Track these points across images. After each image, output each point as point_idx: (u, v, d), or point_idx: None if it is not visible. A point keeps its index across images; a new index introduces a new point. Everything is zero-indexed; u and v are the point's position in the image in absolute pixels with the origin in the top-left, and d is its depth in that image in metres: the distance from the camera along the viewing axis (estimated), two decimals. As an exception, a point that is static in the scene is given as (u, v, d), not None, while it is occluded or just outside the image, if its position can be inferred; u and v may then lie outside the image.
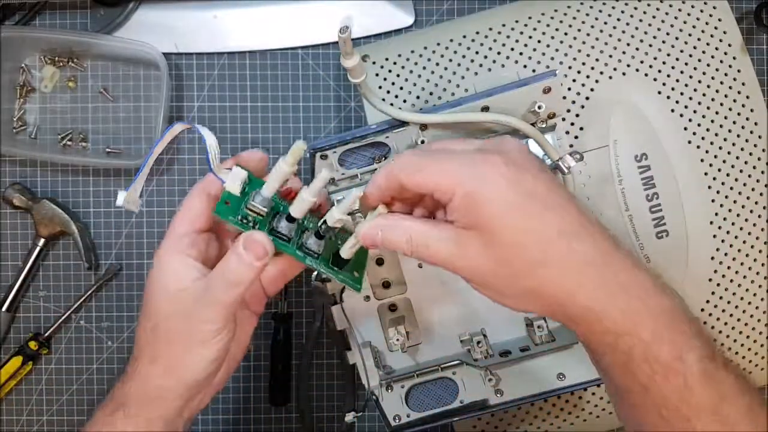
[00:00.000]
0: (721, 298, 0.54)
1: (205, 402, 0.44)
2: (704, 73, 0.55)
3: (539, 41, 0.55)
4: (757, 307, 0.55)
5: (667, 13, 0.55)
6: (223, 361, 0.42)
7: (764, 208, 0.55)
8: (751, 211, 0.55)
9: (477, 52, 0.55)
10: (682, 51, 0.55)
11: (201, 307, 0.39)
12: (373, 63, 0.55)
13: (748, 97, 0.55)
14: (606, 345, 0.37)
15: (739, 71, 0.55)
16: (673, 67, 0.54)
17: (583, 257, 0.37)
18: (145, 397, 0.41)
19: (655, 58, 0.54)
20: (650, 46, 0.55)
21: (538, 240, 0.37)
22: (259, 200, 0.40)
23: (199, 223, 0.42)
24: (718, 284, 0.54)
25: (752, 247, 0.54)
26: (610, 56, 0.54)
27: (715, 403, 0.35)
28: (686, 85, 0.54)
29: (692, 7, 0.55)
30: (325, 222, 0.41)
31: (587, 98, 0.54)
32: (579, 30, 0.55)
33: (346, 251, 0.42)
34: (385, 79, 0.55)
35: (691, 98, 0.54)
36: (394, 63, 0.55)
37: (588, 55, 0.54)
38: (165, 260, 0.41)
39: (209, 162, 0.40)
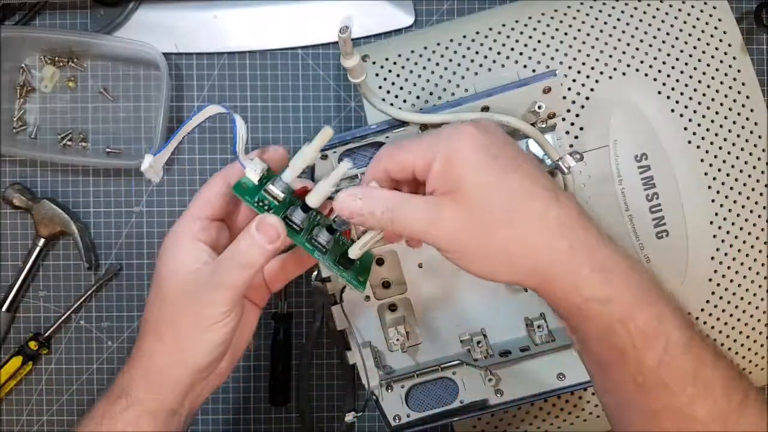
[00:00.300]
0: (721, 298, 0.54)
1: (206, 394, 0.44)
2: (704, 73, 0.55)
3: (539, 41, 0.55)
4: (757, 307, 0.55)
5: (667, 13, 0.55)
6: (227, 348, 0.42)
7: (764, 208, 0.55)
8: (751, 211, 0.55)
9: (477, 52, 0.55)
10: (682, 51, 0.55)
11: (209, 289, 0.40)
12: (373, 63, 0.55)
13: (748, 97, 0.55)
14: (582, 312, 0.36)
15: (739, 71, 0.55)
16: (673, 67, 0.54)
17: (554, 218, 0.37)
18: (149, 378, 0.41)
19: (655, 58, 0.54)
20: (650, 46, 0.55)
21: (506, 198, 0.37)
22: (278, 185, 0.40)
23: (213, 210, 0.43)
24: (718, 284, 0.54)
25: (752, 247, 0.54)
26: (610, 56, 0.54)
27: (695, 369, 0.35)
28: (686, 85, 0.54)
29: (692, 7, 0.55)
30: (337, 216, 0.41)
31: (587, 98, 0.54)
32: (579, 30, 0.55)
33: (356, 250, 0.42)
34: (385, 79, 0.55)
35: (691, 98, 0.54)
36: (394, 63, 0.55)
37: (588, 55, 0.54)
38: (177, 241, 0.42)
39: (236, 148, 0.40)
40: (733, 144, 0.54)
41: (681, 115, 0.54)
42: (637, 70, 0.54)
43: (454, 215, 0.37)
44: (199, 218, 0.42)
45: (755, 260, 0.55)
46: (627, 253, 0.38)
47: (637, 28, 0.55)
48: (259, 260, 0.39)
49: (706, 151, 0.54)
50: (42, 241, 0.59)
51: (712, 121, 0.54)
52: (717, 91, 0.55)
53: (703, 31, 0.55)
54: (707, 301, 0.54)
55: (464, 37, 0.55)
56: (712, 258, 0.54)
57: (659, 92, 0.54)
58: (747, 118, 0.55)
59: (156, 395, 0.41)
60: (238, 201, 0.43)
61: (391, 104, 0.54)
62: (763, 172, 0.55)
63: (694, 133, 0.54)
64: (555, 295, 0.37)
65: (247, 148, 0.41)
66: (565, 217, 0.37)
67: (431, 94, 0.54)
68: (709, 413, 0.35)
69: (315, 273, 0.52)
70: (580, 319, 0.37)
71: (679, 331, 0.35)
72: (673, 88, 0.54)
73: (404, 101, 0.55)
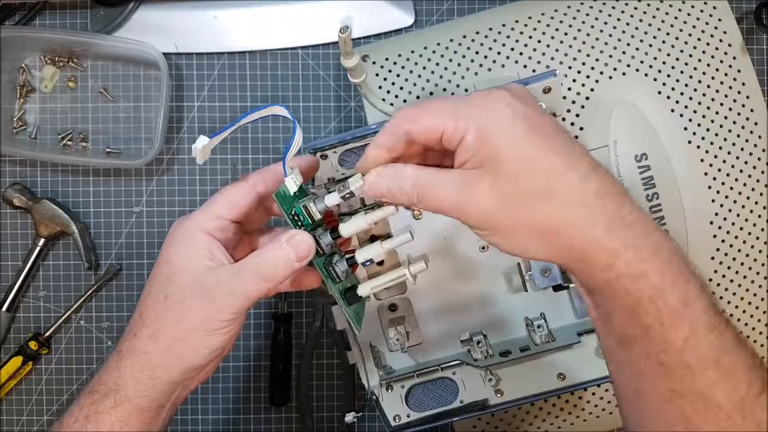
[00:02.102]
0: (721, 298, 0.54)
1: (193, 387, 0.43)
2: (704, 73, 0.55)
3: (539, 41, 0.55)
4: (757, 307, 0.55)
5: (667, 13, 0.55)
6: (225, 351, 0.41)
7: (764, 208, 0.55)
8: (751, 211, 0.54)
9: (477, 52, 0.55)
10: (682, 51, 0.55)
11: (225, 293, 0.39)
12: (373, 63, 0.55)
13: (748, 97, 0.55)
14: (612, 287, 0.36)
15: (739, 71, 0.55)
16: (673, 67, 0.54)
17: (593, 191, 0.36)
18: (141, 378, 0.40)
19: (655, 58, 0.54)
20: (650, 46, 0.55)
21: (546, 170, 0.36)
22: (319, 206, 0.40)
23: (237, 213, 0.42)
24: (718, 284, 0.54)
25: (752, 247, 0.54)
26: (610, 56, 0.54)
27: (717, 353, 0.35)
28: (686, 85, 0.54)
29: (692, 7, 0.55)
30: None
31: (587, 98, 0.54)
32: (579, 30, 0.55)
33: (367, 289, 0.42)
34: (385, 79, 0.55)
35: (691, 98, 0.54)
36: (394, 63, 0.55)
37: (588, 55, 0.54)
38: (190, 236, 0.40)
39: (286, 155, 0.39)
40: (733, 144, 0.54)
41: (681, 115, 0.54)
42: (637, 70, 0.54)
43: (488, 190, 0.36)
44: (221, 217, 0.41)
45: (755, 260, 0.55)
46: (656, 225, 0.37)
47: (637, 28, 0.55)
48: (282, 274, 0.39)
49: (706, 151, 0.54)
50: (42, 241, 0.59)
51: (712, 121, 0.54)
52: (717, 91, 0.55)
53: (703, 31, 0.55)
54: (707, 301, 0.54)
55: (464, 37, 0.55)
56: (712, 258, 0.54)
57: (659, 92, 0.54)
58: (747, 118, 0.55)
59: (147, 394, 0.40)
60: (259, 207, 0.43)
61: (391, 104, 0.54)
62: (763, 172, 0.55)
63: (694, 133, 0.54)
64: (586, 271, 0.36)
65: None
66: (603, 189, 0.36)
67: (431, 94, 0.54)
68: (729, 398, 0.35)
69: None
70: (608, 294, 0.36)
71: (705, 314, 0.35)
72: (673, 88, 0.54)
73: (404, 101, 0.55)
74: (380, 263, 0.53)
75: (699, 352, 0.35)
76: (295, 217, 0.40)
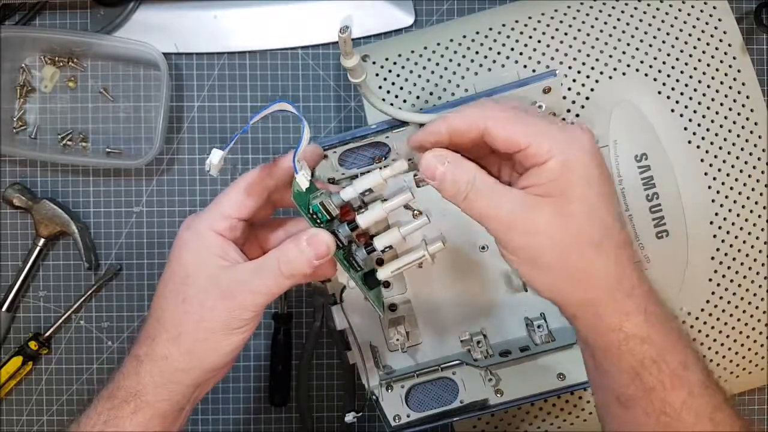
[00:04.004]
0: (721, 298, 0.54)
1: (209, 388, 0.44)
2: (704, 73, 0.55)
3: (539, 41, 0.55)
4: (757, 307, 0.55)
5: (667, 13, 0.55)
6: (241, 349, 0.41)
7: (764, 208, 0.55)
8: (751, 212, 0.55)
9: (477, 52, 0.55)
10: (682, 51, 0.55)
11: (245, 292, 0.39)
12: (373, 63, 0.55)
13: (748, 97, 0.55)
14: (619, 348, 0.37)
15: (739, 71, 0.55)
16: (673, 67, 0.54)
17: (627, 256, 0.38)
18: (162, 383, 0.40)
19: (655, 58, 0.54)
20: (650, 46, 0.55)
21: (604, 221, 0.37)
22: (336, 200, 0.41)
23: (246, 211, 0.41)
24: (718, 284, 0.54)
25: (752, 247, 0.55)
26: (610, 56, 0.54)
27: (711, 411, 0.37)
28: (686, 85, 0.54)
29: (692, 7, 0.55)
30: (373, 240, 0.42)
31: (587, 98, 0.54)
32: (579, 30, 0.55)
33: (387, 273, 0.42)
34: (385, 79, 0.55)
35: (691, 98, 0.54)
36: (394, 63, 0.55)
37: (588, 55, 0.54)
38: (206, 235, 0.40)
39: (297, 152, 0.39)
40: (733, 144, 0.54)
41: (681, 115, 0.54)
42: (637, 70, 0.54)
43: (547, 222, 0.36)
44: (230, 217, 0.41)
45: (755, 260, 0.55)
46: (656, 291, 0.39)
47: (637, 28, 0.55)
48: (303, 272, 0.39)
49: (706, 151, 0.54)
50: (42, 241, 0.59)
51: (712, 121, 0.54)
52: (717, 91, 0.55)
53: (703, 31, 0.55)
54: (707, 301, 0.54)
55: (464, 37, 0.55)
56: (712, 258, 0.54)
57: (659, 92, 0.54)
58: (747, 118, 0.55)
59: (169, 398, 0.40)
60: (267, 202, 0.43)
61: (391, 104, 0.54)
62: (763, 172, 0.55)
63: (694, 133, 0.54)
64: (596, 328, 0.38)
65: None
66: (633, 256, 0.38)
67: (431, 94, 0.54)
68: None
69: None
70: (612, 353, 0.38)
71: (701, 375, 0.38)
72: (673, 88, 0.54)
73: (404, 101, 0.55)
74: (380, 263, 0.53)
75: (695, 412, 0.37)
76: (313, 216, 0.40)
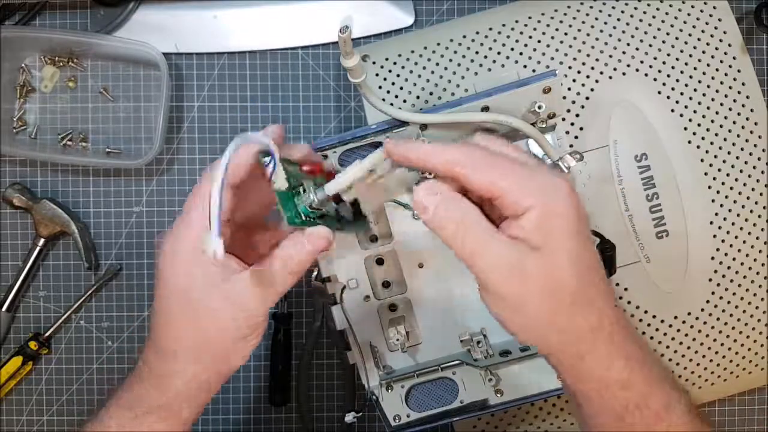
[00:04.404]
0: (721, 298, 0.54)
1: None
2: (704, 73, 0.55)
3: (539, 41, 0.55)
4: (757, 307, 0.55)
5: (667, 13, 0.55)
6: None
7: (764, 208, 0.55)
8: (751, 211, 0.55)
9: (477, 52, 0.55)
10: (682, 51, 0.55)
11: (255, 298, 0.39)
12: (373, 63, 0.55)
13: (748, 97, 0.55)
14: (601, 393, 0.38)
15: (739, 71, 0.55)
16: (673, 67, 0.55)
17: (610, 304, 0.38)
18: (188, 393, 0.41)
19: (655, 58, 0.54)
20: (650, 46, 0.55)
21: (585, 269, 0.37)
22: (320, 196, 0.41)
23: (228, 215, 0.40)
24: (718, 284, 0.54)
25: (752, 247, 0.55)
26: (610, 56, 0.54)
27: None
28: (686, 85, 0.54)
29: (692, 7, 0.55)
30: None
31: (587, 98, 0.54)
32: (579, 30, 0.55)
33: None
34: (385, 79, 0.55)
35: (691, 98, 0.54)
36: (394, 63, 0.55)
37: (588, 55, 0.54)
38: (193, 252, 0.39)
39: (273, 174, 0.38)
40: (733, 144, 0.54)
41: (681, 115, 0.54)
42: (637, 70, 0.54)
43: (534, 271, 0.36)
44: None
45: (755, 260, 0.55)
46: (637, 333, 0.41)
47: (637, 28, 0.55)
48: (308, 264, 0.39)
49: (706, 151, 0.54)
50: (42, 241, 0.59)
51: (712, 121, 0.54)
52: (717, 91, 0.55)
53: (703, 31, 0.55)
54: (707, 301, 0.54)
55: (464, 37, 0.55)
56: (712, 258, 0.54)
57: (659, 92, 0.54)
58: (747, 118, 0.55)
59: (196, 405, 0.42)
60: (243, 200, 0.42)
61: (391, 104, 0.54)
62: (763, 172, 0.55)
63: (694, 133, 0.54)
64: (577, 375, 0.38)
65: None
66: (612, 295, 0.38)
67: (431, 94, 0.54)
68: None
69: (315, 273, 0.52)
70: (594, 400, 0.38)
71: (684, 413, 0.39)
72: (673, 88, 0.54)
73: (404, 101, 0.55)
74: (380, 263, 0.53)
75: None
76: (306, 218, 0.40)
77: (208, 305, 0.40)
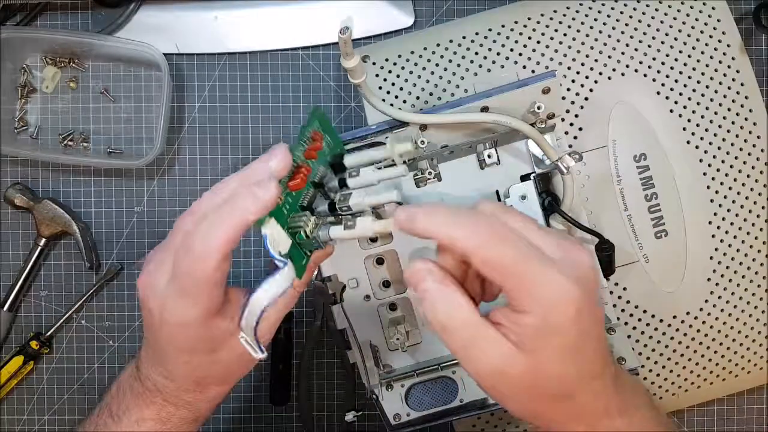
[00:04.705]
0: (720, 297, 0.55)
1: None
2: (703, 74, 0.55)
3: (539, 41, 0.55)
4: (756, 307, 0.55)
5: (666, 14, 0.55)
6: None
7: (763, 208, 0.55)
8: (750, 211, 0.55)
9: (476, 53, 0.55)
10: (681, 51, 0.55)
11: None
12: (373, 63, 0.56)
13: (747, 98, 0.55)
14: None
15: (738, 72, 0.55)
16: (672, 68, 0.55)
17: (608, 390, 0.38)
18: (192, 418, 0.44)
19: (654, 59, 0.55)
20: (649, 46, 0.55)
21: (579, 374, 0.37)
22: (324, 236, 0.41)
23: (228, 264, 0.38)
24: (717, 284, 0.54)
25: (751, 246, 0.55)
26: (609, 56, 0.54)
27: None
28: (685, 86, 0.55)
29: (691, 7, 0.55)
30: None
31: (586, 98, 0.54)
32: (578, 30, 0.55)
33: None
34: (385, 79, 0.55)
35: (690, 98, 0.55)
36: (394, 63, 0.55)
37: (587, 56, 0.54)
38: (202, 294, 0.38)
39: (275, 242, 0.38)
40: (732, 144, 0.55)
41: (680, 116, 0.54)
42: (636, 70, 0.54)
43: (518, 375, 0.36)
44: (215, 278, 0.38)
45: (754, 260, 0.55)
46: (639, 392, 0.41)
47: (636, 29, 0.55)
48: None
49: (705, 151, 0.54)
50: (43, 241, 0.59)
51: (711, 122, 0.55)
52: (716, 92, 0.55)
53: (702, 32, 0.55)
54: (706, 301, 0.55)
55: (464, 37, 0.55)
56: (711, 258, 0.54)
57: (658, 92, 0.54)
58: (746, 119, 0.55)
59: (196, 417, 0.44)
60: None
61: (391, 104, 0.54)
62: (762, 172, 0.55)
63: (693, 134, 0.54)
64: None
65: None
66: (612, 386, 0.38)
67: (431, 94, 0.55)
68: None
69: (315, 273, 0.52)
70: None
71: None
72: (672, 89, 0.54)
73: (404, 101, 0.55)
74: (380, 263, 0.53)
75: None
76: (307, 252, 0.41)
77: (205, 351, 0.41)
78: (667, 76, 0.55)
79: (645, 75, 0.54)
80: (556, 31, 0.55)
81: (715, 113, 0.55)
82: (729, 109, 0.55)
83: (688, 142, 0.54)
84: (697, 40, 0.55)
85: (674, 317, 0.54)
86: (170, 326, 0.39)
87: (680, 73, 0.55)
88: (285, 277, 0.38)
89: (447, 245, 0.36)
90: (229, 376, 0.43)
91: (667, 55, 0.55)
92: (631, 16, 0.55)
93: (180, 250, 0.37)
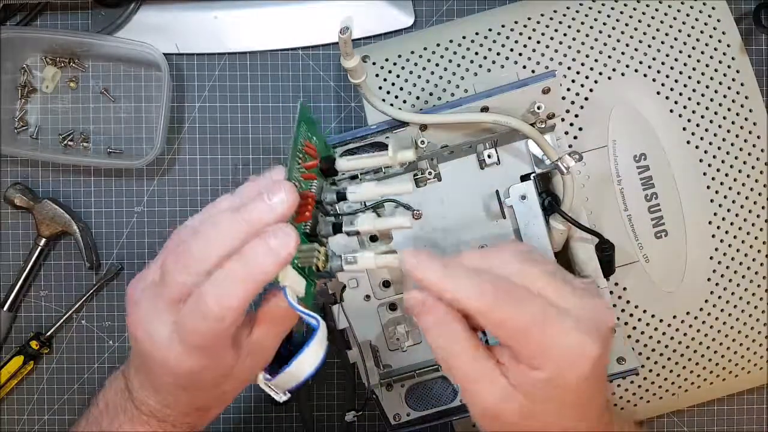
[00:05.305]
0: (720, 297, 0.55)
1: None
2: (703, 74, 0.55)
3: (539, 42, 0.55)
4: (756, 307, 0.55)
5: (666, 14, 0.55)
6: None
7: (763, 208, 0.55)
8: (750, 211, 0.55)
9: (476, 53, 0.55)
10: (681, 51, 0.55)
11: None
12: (373, 63, 0.56)
13: (747, 98, 0.55)
14: None
15: (738, 72, 0.55)
16: (672, 68, 0.55)
17: None
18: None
19: (654, 59, 0.55)
20: (649, 46, 0.55)
21: (577, 427, 0.37)
22: (336, 269, 0.39)
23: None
24: (717, 284, 0.54)
25: (751, 246, 0.55)
26: (609, 56, 0.54)
27: None
28: (685, 86, 0.55)
29: (691, 7, 0.55)
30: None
31: (586, 98, 0.54)
32: (578, 30, 0.55)
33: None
34: (385, 79, 0.55)
35: (689, 98, 0.55)
36: (394, 63, 0.55)
37: (587, 56, 0.54)
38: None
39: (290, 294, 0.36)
40: (732, 144, 0.55)
41: (680, 116, 0.54)
42: (636, 70, 0.54)
43: (514, 418, 0.35)
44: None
45: (754, 260, 0.55)
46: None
47: (636, 29, 0.55)
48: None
49: (705, 151, 0.54)
50: (43, 240, 0.59)
51: (711, 122, 0.55)
52: (716, 92, 0.55)
53: (702, 32, 0.55)
54: (706, 301, 0.55)
55: (464, 37, 0.55)
56: (711, 258, 0.54)
57: (658, 92, 0.54)
58: (746, 119, 0.55)
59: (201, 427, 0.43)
60: None
61: (391, 104, 0.54)
62: (762, 172, 0.55)
63: (693, 134, 0.54)
64: None
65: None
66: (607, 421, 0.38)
67: (431, 94, 0.55)
68: None
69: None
70: None
71: None
72: (672, 89, 0.54)
73: (404, 101, 0.55)
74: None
75: None
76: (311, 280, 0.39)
77: (204, 387, 0.40)
78: (667, 76, 0.55)
79: (645, 75, 0.54)
80: (556, 31, 0.55)
81: (715, 113, 0.55)
82: (729, 109, 0.55)
83: (688, 142, 0.54)
84: (697, 40, 0.55)
85: (674, 317, 0.54)
86: (175, 374, 0.37)
87: (680, 73, 0.55)
88: (322, 340, 0.35)
89: (457, 305, 0.35)
90: (231, 397, 0.42)
91: (667, 55, 0.55)
92: (631, 16, 0.55)
93: (191, 307, 0.35)
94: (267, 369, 0.39)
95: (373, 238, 0.53)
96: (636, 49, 0.55)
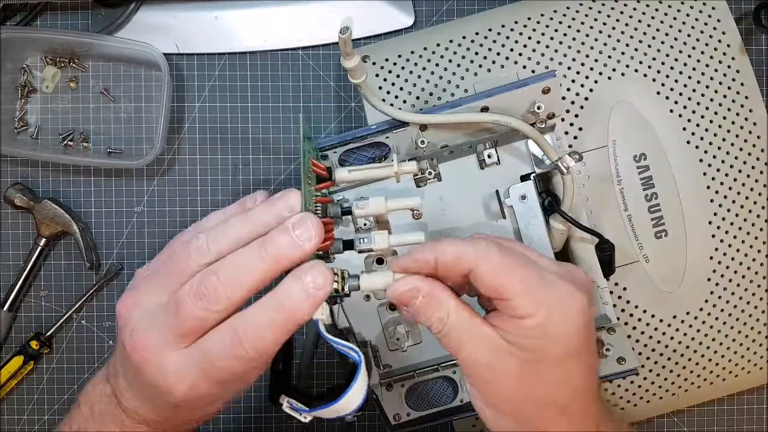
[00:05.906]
0: (720, 297, 0.55)
1: None
2: (703, 74, 0.55)
3: (539, 41, 0.55)
4: (756, 307, 0.55)
5: (666, 14, 0.55)
6: None
7: (763, 208, 0.55)
8: (750, 211, 0.55)
9: (476, 53, 0.55)
10: (681, 51, 0.55)
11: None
12: (373, 63, 0.56)
13: (747, 98, 0.55)
14: None
15: (738, 72, 0.55)
16: (672, 68, 0.55)
17: (593, 407, 0.38)
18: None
19: (654, 59, 0.55)
20: (649, 46, 0.55)
21: (572, 385, 0.37)
22: (353, 289, 0.39)
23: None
24: (717, 284, 0.54)
25: (751, 246, 0.55)
26: (609, 56, 0.55)
27: None
28: (685, 86, 0.55)
29: (691, 7, 0.55)
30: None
31: (586, 98, 0.54)
32: (578, 30, 0.55)
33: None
34: (385, 79, 0.55)
35: (690, 98, 0.55)
36: (394, 63, 0.55)
37: (587, 56, 0.55)
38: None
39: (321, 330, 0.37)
40: (732, 144, 0.55)
41: (680, 116, 0.54)
42: (636, 70, 0.55)
43: (512, 375, 0.36)
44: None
45: (754, 260, 0.55)
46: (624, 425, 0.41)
47: (636, 29, 0.55)
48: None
49: (705, 151, 0.54)
50: (43, 241, 0.59)
51: (711, 122, 0.55)
52: (716, 92, 0.55)
53: (702, 32, 0.55)
54: (706, 301, 0.55)
55: (464, 37, 0.55)
56: (711, 258, 0.54)
57: (658, 92, 0.54)
58: (746, 119, 0.55)
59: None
60: None
61: (391, 104, 0.54)
62: (762, 172, 0.55)
63: (693, 134, 0.54)
64: None
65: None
66: (598, 403, 0.38)
67: (431, 94, 0.55)
68: None
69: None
70: None
71: None
72: (672, 89, 0.55)
73: (404, 101, 0.55)
74: (380, 263, 0.53)
75: None
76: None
77: (197, 398, 0.39)
78: (667, 76, 0.55)
79: (645, 75, 0.55)
80: (556, 31, 0.55)
81: (715, 113, 0.55)
82: (729, 109, 0.55)
83: (688, 142, 0.54)
84: (697, 40, 0.55)
85: (674, 317, 0.54)
86: (184, 399, 0.37)
87: (680, 73, 0.55)
88: (365, 375, 0.37)
89: (453, 266, 0.36)
90: (230, 401, 0.42)
91: (667, 55, 0.55)
92: (631, 16, 0.55)
93: (224, 346, 0.36)
94: (294, 396, 0.40)
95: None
96: (636, 49, 0.55)
